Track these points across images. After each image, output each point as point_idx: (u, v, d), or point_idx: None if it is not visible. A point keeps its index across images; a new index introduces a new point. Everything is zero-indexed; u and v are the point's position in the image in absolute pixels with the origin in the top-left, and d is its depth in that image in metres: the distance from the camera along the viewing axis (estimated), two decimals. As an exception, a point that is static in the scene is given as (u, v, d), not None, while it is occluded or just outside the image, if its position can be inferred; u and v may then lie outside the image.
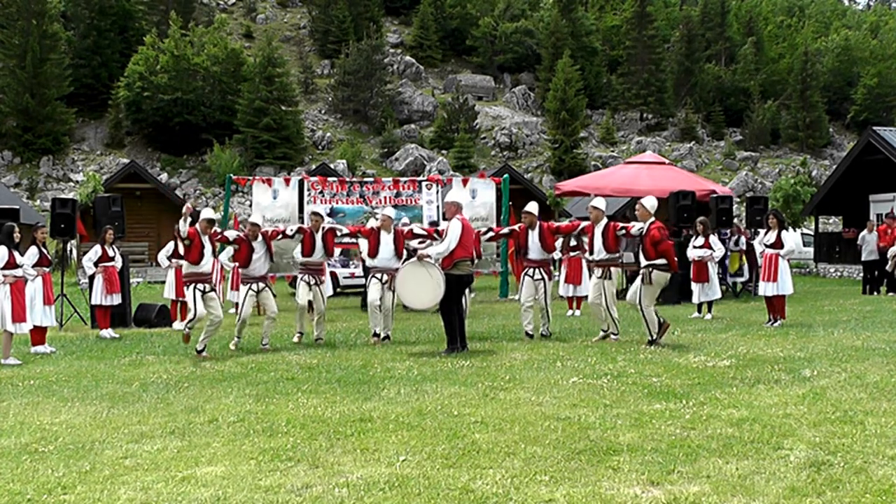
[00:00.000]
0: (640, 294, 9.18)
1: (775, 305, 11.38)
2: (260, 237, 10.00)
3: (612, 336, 9.73)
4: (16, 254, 9.54)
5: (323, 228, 10.39)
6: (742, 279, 17.30)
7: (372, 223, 11.06)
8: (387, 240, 10.18)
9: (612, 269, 9.73)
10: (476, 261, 9.99)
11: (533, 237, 10.05)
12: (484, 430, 5.38)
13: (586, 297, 11.75)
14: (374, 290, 10.15)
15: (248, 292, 9.89)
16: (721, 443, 4.92)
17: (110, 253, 12.35)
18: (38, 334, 10.29)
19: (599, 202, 9.96)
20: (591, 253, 9.83)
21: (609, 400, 6.19)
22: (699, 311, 13.17)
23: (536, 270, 10.08)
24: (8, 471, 4.83)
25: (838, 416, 5.49)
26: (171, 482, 4.47)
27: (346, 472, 4.54)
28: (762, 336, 9.82)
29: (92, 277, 12.45)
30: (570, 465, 4.57)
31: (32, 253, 10.25)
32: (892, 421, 5.32)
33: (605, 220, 9.76)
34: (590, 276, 9.80)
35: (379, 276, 10.17)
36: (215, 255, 10.15)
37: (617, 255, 9.80)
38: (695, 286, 13.13)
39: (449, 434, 5.28)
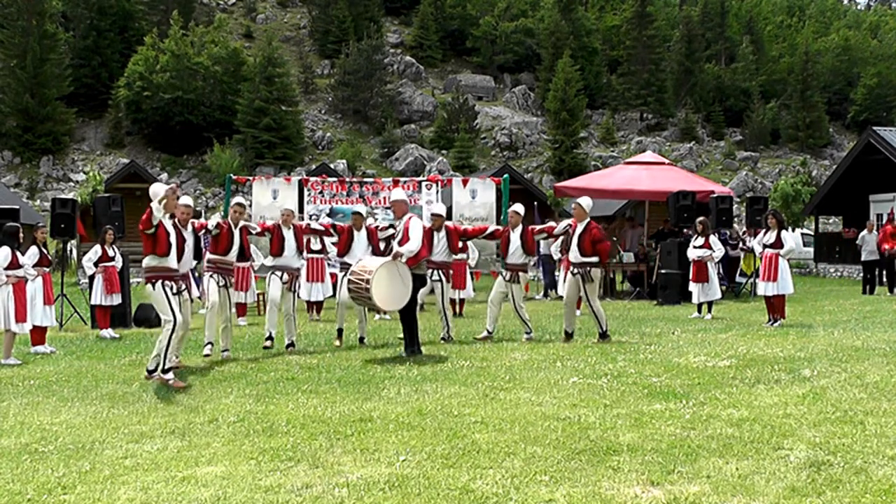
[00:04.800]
0: (586, 293, 9.63)
1: (775, 305, 11.39)
2: (189, 226, 8.29)
3: (526, 336, 10.04)
4: (18, 254, 9.57)
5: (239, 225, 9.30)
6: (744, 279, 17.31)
7: (370, 221, 11.03)
8: (289, 237, 9.60)
9: (521, 273, 10.08)
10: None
11: (439, 239, 10.05)
12: (484, 430, 5.37)
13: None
14: (274, 288, 9.50)
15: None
16: (721, 443, 4.92)
17: (110, 253, 12.35)
18: (38, 334, 10.30)
19: (518, 207, 10.30)
20: (506, 256, 10.14)
21: (609, 400, 6.19)
22: (699, 312, 13.19)
23: (435, 272, 10.00)
24: (8, 471, 4.82)
25: (838, 416, 5.49)
26: (171, 482, 4.46)
27: (346, 472, 4.54)
28: (762, 336, 9.82)
29: (92, 277, 12.45)
30: (570, 465, 4.57)
31: (33, 253, 10.26)
32: (892, 421, 5.32)
33: (521, 226, 10.06)
34: (507, 277, 10.12)
35: (279, 274, 9.54)
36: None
37: (530, 260, 10.30)
38: (694, 286, 13.15)
39: (449, 434, 5.28)
